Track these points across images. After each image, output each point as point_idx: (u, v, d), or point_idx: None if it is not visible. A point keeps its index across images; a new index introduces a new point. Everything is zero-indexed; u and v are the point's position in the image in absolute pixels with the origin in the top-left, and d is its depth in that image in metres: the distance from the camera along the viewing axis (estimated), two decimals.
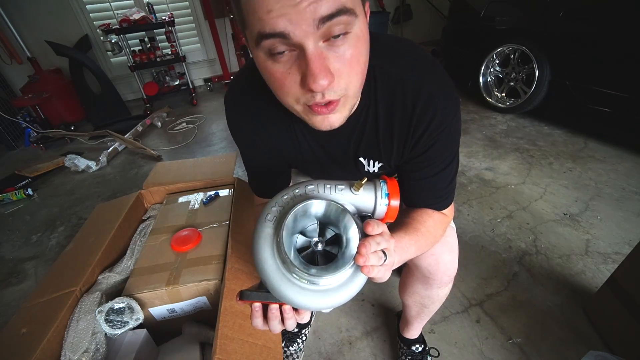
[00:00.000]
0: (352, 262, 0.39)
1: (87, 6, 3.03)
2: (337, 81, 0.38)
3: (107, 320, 0.75)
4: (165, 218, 1.04)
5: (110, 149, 2.37)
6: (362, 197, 0.46)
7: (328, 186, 0.46)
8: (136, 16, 2.82)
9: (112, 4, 3.08)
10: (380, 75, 0.47)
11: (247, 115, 0.56)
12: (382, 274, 0.41)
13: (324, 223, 0.45)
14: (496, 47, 2.24)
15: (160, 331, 0.87)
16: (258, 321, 0.44)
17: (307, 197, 0.45)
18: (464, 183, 1.68)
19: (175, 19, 3.02)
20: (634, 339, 0.85)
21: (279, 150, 0.60)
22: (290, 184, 0.72)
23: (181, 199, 1.12)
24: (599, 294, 0.98)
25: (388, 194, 0.46)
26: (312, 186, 0.46)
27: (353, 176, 0.64)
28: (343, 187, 0.47)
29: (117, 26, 2.78)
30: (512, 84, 2.27)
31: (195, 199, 1.11)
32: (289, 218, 0.39)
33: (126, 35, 2.93)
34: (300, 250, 0.43)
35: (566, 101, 1.95)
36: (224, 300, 0.72)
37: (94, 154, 2.35)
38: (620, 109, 1.70)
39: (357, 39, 0.37)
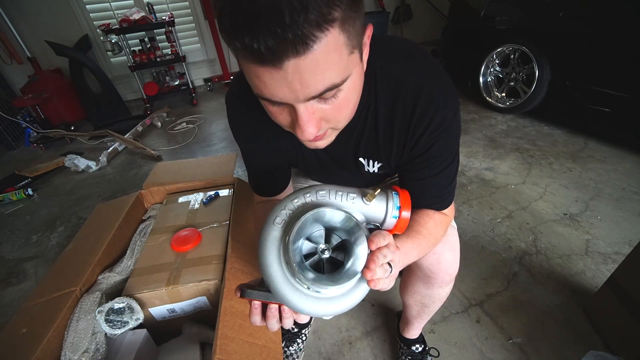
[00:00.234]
0: (359, 275, 0.39)
1: (87, 6, 3.03)
2: (324, 124, 0.41)
3: (107, 320, 0.75)
4: (165, 218, 1.04)
5: (110, 149, 2.37)
6: (373, 208, 0.46)
7: (340, 193, 0.46)
8: (136, 16, 2.82)
9: (112, 4, 3.08)
10: (380, 75, 0.47)
11: (248, 114, 0.56)
12: (387, 285, 0.41)
13: (329, 229, 0.45)
14: (496, 47, 2.24)
15: (160, 331, 0.87)
16: (256, 318, 0.44)
17: (318, 203, 0.44)
18: (464, 183, 1.68)
19: (175, 19, 3.02)
20: (634, 339, 0.85)
21: (280, 149, 0.60)
22: (291, 184, 0.72)
23: (181, 199, 1.12)
24: (599, 294, 0.98)
25: (400, 206, 0.46)
26: (324, 192, 0.46)
27: (354, 176, 0.64)
28: (355, 195, 0.46)
29: (117, 26, 2.78)
30: (512, 84, 2.27)
31: (195, 199, 1.11)
32: (299, 224, 0.39)
33: (126, 35, 2.93)
34: (306, 256, 0.43)
35: (566, 101, 1.95)
36: (224, 300, 0.72)
37: (94, 154, 2.35)
38: (620, 109, 1.70)
39: (348, 91, 0.38)
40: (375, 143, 0.54)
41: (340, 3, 0.30)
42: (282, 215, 0.43)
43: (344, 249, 0.43)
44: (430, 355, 0.95)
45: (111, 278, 0.86)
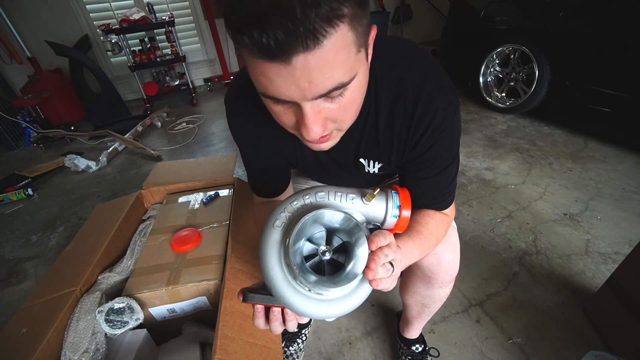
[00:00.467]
0: (360, 276, 0.38)
1: (87, 6, 3.03)
2: (330, 124, 0.41)
3: (107, 320, 0.75)
4: (165, 218, 1.04)
5: (110, 149, 2.37)
6: (372, 208, 0.46)
7: (339, 194, 0.46)
8: (136, 16, 2.82)
9: (112, 4, 3.08)
10: (381, 76, 0.47)
11: (248, 114, 0.56)
12: (389, 285, 0.41)
13: (330, 230, 0.44)
14: (496, 47, 2.24)
15: (160, 331, 0.87)
16: (260, 322, 0.45)
17: (317, 205, 0.44)
18: (464, 183, 1.68)
19: (175, 19, 3.02)
20: (634, 339, 0.85)
21: (280, 150, 0.60)
22: (291, 185, 0.72)
23: (181, 199, 1.12)
24: (599, 294, 0.98)
25: (400, 205, 0.46)
26: (323, 193, 0.45)
27: (354, 177, 0.64)
28: (354, 196, 0.46)
29: (117, 26, 2.78)
30: (512, 84, 2.27)
31: (195, 199, 1.11)
32: (299, 226, 0.39)
33: (126, 35, 2.93)
34: (307, 258, 0.43)
35: (566, 101, 1.95)
36: (224, 300, 0.72)
37: (94, 154, 2.35)
38: (620, 109, 1.70)
39: (354, 90, 0.38)
40: (376, 144, 0.54)
41: None
42: (281, 218, 0.43)
43: (346, 250, 0.43)
44: (430, 355, 0.95)
45: (111, 278, 0.86)
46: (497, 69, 2.34)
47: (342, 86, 0.35)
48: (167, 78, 3.40)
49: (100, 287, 0.83)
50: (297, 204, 0.44)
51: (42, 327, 0.70)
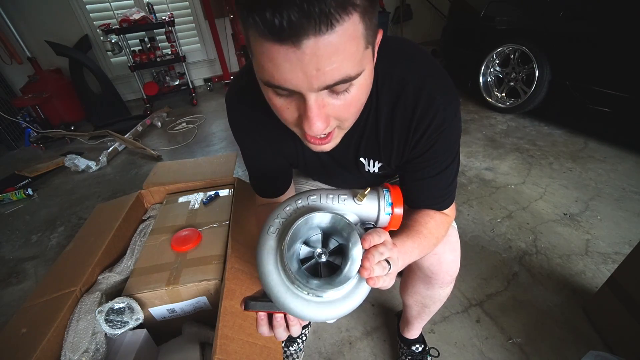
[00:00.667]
0: (356, 275, 0.39)
1: (87, 6, 3.03)
2: (333, 122, 0.40)
3: (107, 320, 0.75)
4: (165, 218, 1.04)
5: (110, 149, 2.37)
6: (365, 207, 0.46)
7: (331, 196, 0.46)
8: (136, 16, 2.82)
9: (112, 4, 3.08)
10: (382, 76, 0.47)
11: (249, 114, 0.56)
12: (387, 283, 0.41)
13: (327, 233, 0.45)
14: (496, 47, 2.24)
15: (160, 331, 0.87)
16: (264, 329, 0.45)
17: (310, 208, 0.44)
18: (464, 183, 1.68)
19: (175, 19, 3.02)
20: (634, 339, 0.85)
21: (281, 150, 0.60)
22: (292, 186, 0.72)
23: (181, 199, 1.12)
24: (599, 294, 0.98)
25: (392, 203, 0.46)
26: (315, 197, 0.46)
27: (354, 176, 0.64)
28: (346, 196, 0.46)
29: (117, 26, 2.78)
30: (512, 84, 2.27)
31: (195, 199, 1.11)
32: (292, 231, 0.39)
33: (126, 35, 2.93)
34: (303, 261, 0.43)
35: (566, 101, 1.95)
36: (224, 300, 0.72)
37: (94, 154, 2.35)
38: (620, 109, 1.70)
39: (359, 88, 0.38)
40: (376, 143, 0.54)
41: None
42: (275, 224, 0.43)
43: (342, 252, 0.43)
44: (430, 355, 0.95)
45: (111, 278, 0.86)
46: (497, 69, 2.34)
47: (349, 80, 0.35)
48: (167, 78, 3.41)
49: (100, 287, 0.83)
50: (289, 209, 0.45)
51: (42, 327, 0.70)
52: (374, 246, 0.40)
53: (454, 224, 0.68)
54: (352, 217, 0.46)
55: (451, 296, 1.09)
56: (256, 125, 0.57)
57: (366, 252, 0.39)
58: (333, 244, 0.45)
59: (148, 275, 0.84)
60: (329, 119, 0.39)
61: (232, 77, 3.49)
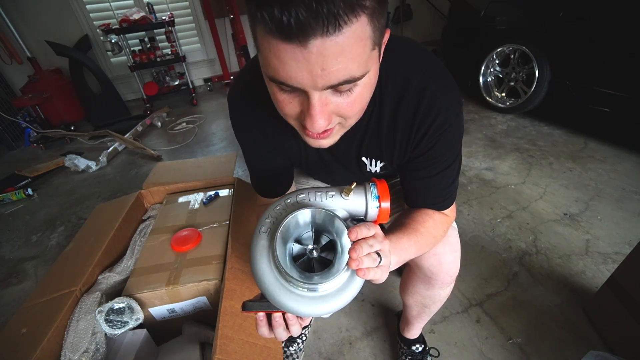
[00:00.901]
0: (346, 267, 0.39)
1: (87, 6, 3.03)
2: (335, 119, 0.40)
3: (107, 320, 0.75)
4: (165, 218, 1.04)
5: (110, 149, 2.37)
6: (353, 202, 0.47)
7: (319, 193, 0.47)
8: (136, 16, 2.82)
9: (112, 4, 3.08)
10: (385, 76, 0.47)
11: (251, 113, 0.56)
12: (379, 276, 0.41)
13: (318, 230, 0.45)
14: (496, 47, 2.24)
15: (160, 331, 0.87)
16: (264, 330, 0.45)
17: (299, 205, 0.45)
18: (464, 183, 1.68)
19: (175, 19, 3.02)
20: (634, 339, 0.85)
21: (283, 148, 0.60)
22: (293, 186, 0.72)
23: (181, 199, 1.12)
24: (599, 294, 0.98)
25: (378, 196, 0.47)
26: (303, 195, 0.47)
27: (356, 176, 0.64)
28: (333, 193, 0.47)
29: (117, 26, 2.78)
30: (512, 84, 2.27)
31: (195, 199, 1.11)
32: (281, 229, 0.40)
33: (126, 35, 2.93)
34: (296, 258, 0.44)
35: (566, 101, 1.95)
36: (224, 300, 0.72)
37: (94, 154, 2.35)
38: (620, 109, 1.70)
39: (364, 87, 0.38)
40: (378, 143, 0.54)
41: None
42: (266, 224, 0.44)
43: (334, 248, 0.44)
44: (431, 355, 0.95)
45: (111, 278, 0.86)
46: (497, 69, 2.34)
47: (354, 80, 0.35)
48: (167, 78, 3.41)
49: (100, 287, 0.83)
50: (279, 208, 0.46)
51: (42, 327, 0.70)
52: (363, 238, 0.40)
53: (454, 225, 0.68)
54: (341, 213, 0.47)
55: (451, 296, 1.09)
56: (258, 123, 0.57)
57: (354, 243, 0.39)
58: (325, 240, 0.46)
59: (148, 275, 0.84)
60: (331, 117, 0.39)
61: (232, 77, 3.49)
